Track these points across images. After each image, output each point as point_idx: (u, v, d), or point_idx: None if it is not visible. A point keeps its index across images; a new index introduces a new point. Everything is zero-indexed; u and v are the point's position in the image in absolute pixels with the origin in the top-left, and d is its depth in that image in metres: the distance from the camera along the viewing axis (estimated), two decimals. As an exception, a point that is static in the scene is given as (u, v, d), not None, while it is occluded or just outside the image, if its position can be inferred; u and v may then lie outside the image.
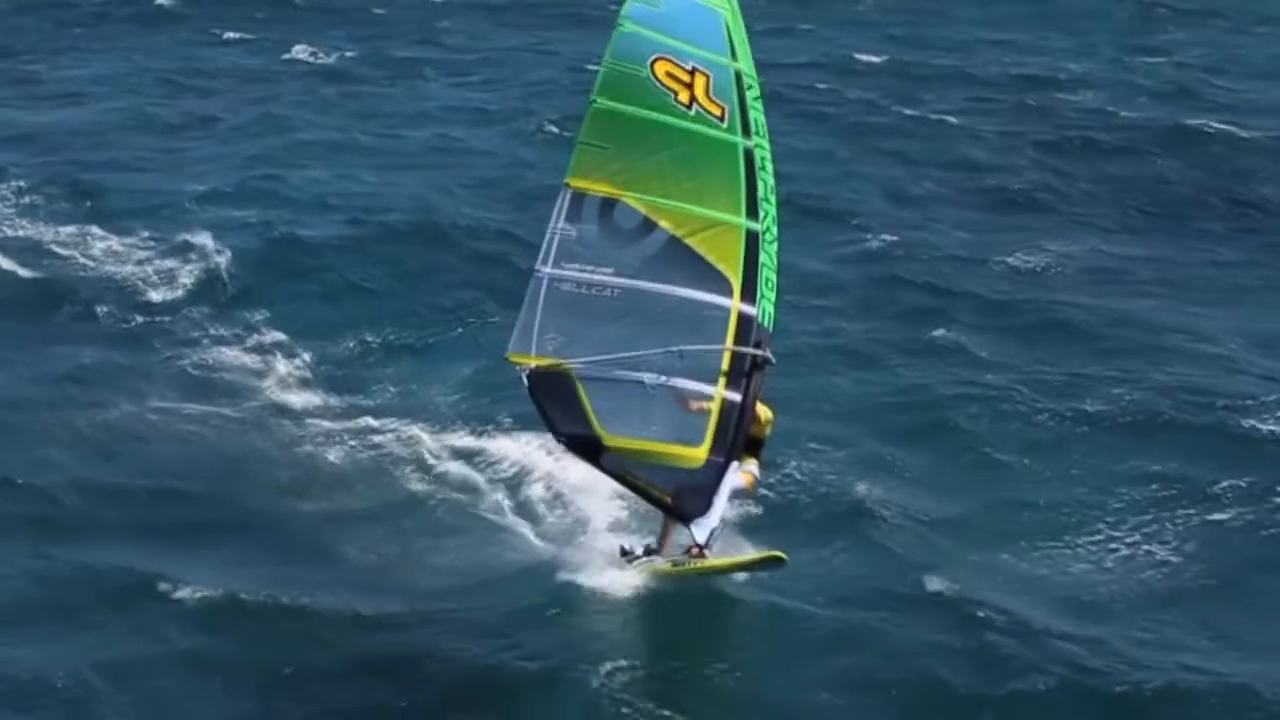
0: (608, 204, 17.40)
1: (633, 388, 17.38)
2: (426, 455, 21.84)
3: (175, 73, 46.33)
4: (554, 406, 17.50)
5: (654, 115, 17.21)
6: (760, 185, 17.34)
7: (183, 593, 17.89)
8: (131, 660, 16.79)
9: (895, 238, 31.51)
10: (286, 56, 49.65)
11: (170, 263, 29.60)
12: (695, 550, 17.49)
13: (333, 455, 21.93)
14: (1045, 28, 60.40)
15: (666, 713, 16.01)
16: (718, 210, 17.38)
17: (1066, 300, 28.24)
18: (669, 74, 17.17)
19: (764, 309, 17.50)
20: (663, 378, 17.34)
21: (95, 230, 31.32)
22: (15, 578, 18.40)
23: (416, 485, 21.19)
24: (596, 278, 17.45)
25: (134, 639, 17.17)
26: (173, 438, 22.51)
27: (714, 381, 17.41)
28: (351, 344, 26.02)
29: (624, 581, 18.05)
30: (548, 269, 17.47)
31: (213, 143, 38.92)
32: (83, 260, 29.90)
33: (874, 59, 51.89)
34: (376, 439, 22.41)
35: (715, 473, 17.43)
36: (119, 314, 27.40)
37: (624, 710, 15.83)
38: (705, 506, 17.41)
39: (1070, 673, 16.16)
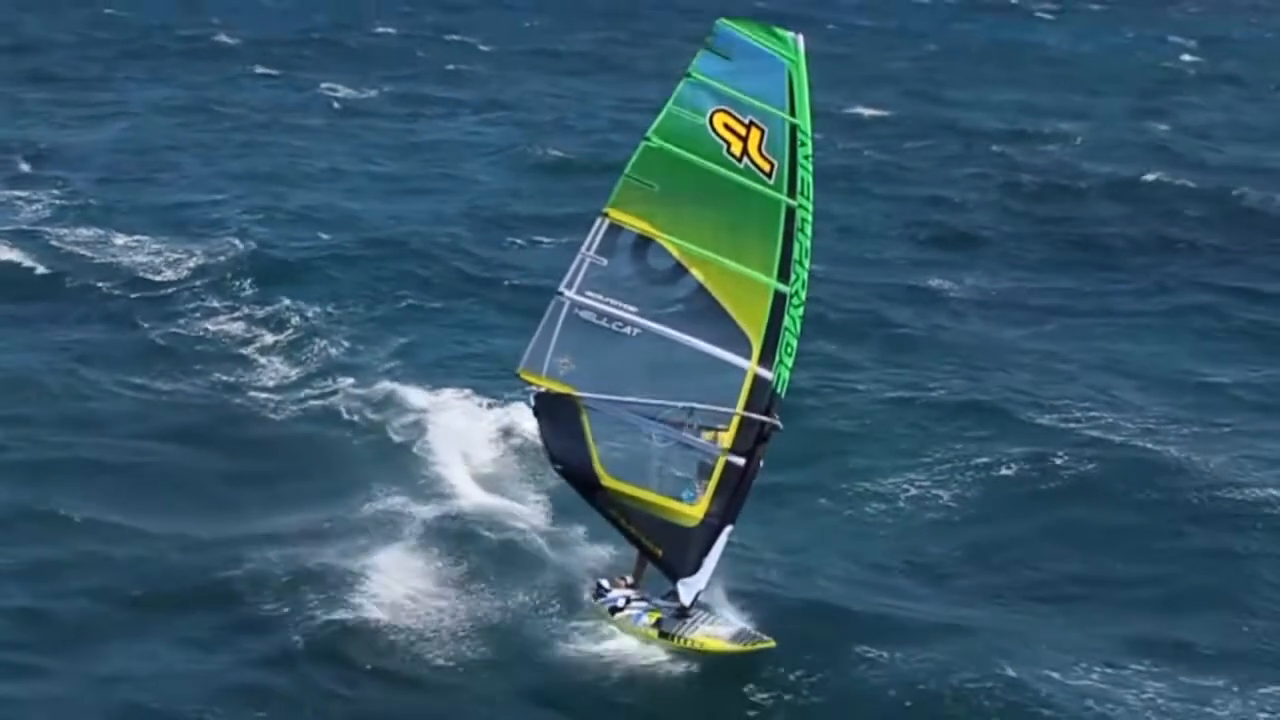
0: (642, 242, 17.50)
1: (638, 433, 17.48)
2: (346, 407, 25.05)
3: (215, 102, 50.72)
4: (555, 434, 17.60)
5: (703, 162, 17.31)
6: (796, 247, 17.34)
7: (78, 514, 21.09)
8: (29, 560, 20.19)
9: (819, 266, 33.98)
10: (322, 91, 53.94)
11: (172, 258, 33.56)
12: (679, 607, 17.78)
13: (269, 411, 25.24)
14: (1065, 89, 62.95)
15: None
16: (751, 268, 17.39)
17: (949, 322, 30.97)
18: (726, 125, 17.29)
19: (780, 374, 17.50)
20: (670, 430, 17.43)
21: (115, 232, 35.35)
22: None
23: (333, 431, 24.31)
24: (619, 313, 17.46)
25: (31, 546, 20.49)
26: (133, 400, 25.94)
27: (720, 442, 17.46)
28: (307, 323, 29.39)
29: (473, 527, 20.57)
30: (571, 293, 17.52)
31: (233, 162, 42.95)
32: (98, 256, 33.83)
33: (880, 112, 54.78)
34: (311, 402, 25.67)
35: (709, 534, 17.49)
36: (117, 297, 31.24)
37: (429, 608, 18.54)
38: (695, 566, 17.53)
39: (776, 590, 19.04)
